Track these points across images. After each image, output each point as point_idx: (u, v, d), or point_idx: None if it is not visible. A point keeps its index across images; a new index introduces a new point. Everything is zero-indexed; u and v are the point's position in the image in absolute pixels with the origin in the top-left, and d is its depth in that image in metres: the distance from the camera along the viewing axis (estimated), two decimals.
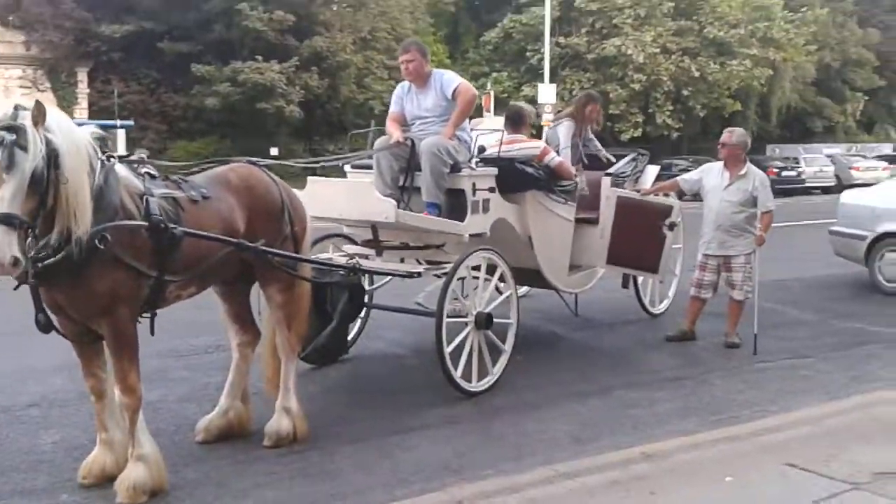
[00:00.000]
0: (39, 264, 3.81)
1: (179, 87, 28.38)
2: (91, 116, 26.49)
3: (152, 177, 4.31)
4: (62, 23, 26.44)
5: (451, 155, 6.10)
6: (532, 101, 30.59)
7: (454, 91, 6.26)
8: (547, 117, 28.86)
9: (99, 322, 4.11)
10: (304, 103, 27.92)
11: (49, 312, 4.14)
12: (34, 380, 6.28)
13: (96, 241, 3.86)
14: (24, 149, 3.54)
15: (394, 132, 6.31)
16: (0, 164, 3.53)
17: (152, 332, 4.37)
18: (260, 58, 26.93)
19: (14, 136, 3.54)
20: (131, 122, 25.60)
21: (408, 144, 6.22)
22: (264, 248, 4.76)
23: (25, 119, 3.60)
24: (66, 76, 27.34)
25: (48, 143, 3.63)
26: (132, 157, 4.36)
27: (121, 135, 23.13)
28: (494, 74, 34.07)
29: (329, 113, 30.46)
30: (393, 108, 6.61)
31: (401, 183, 6.30)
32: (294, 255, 5.02)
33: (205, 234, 4.39)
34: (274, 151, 23.61)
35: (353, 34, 29.94)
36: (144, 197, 4.15)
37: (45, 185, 3.62)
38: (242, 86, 26.60)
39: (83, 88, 27.61)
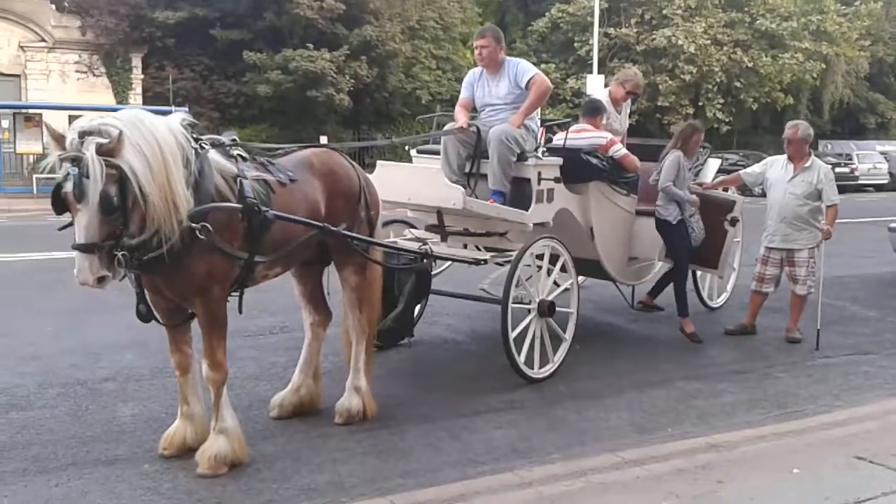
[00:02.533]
0: (144, 257, 3.94)
1: (231, 74, 28.64)
2: (145, 102, 26.87)
3: (243, 159, 4.43)
4: (117, 8, 26.79)
5: (518, 143, 6.15)
6: (579, 92, 30.52)
7: (529, 81, 6.29)
8: None
9: (193, 301, 4.26)
10: (352, 92, 28.01)
11: (146, 294, 4.28)
12: (105, 356, 6.48)
13: (197, 232, 3.98)
14: (89, 178, 3.58)
15: (460, 118, 6.36)
16: (71, 195, 3.62)
17: (240, 311, 4.50)
18: (311, 46, 27.09)
19: (77, 168, 3.59)
20: (185, 109, 25.95)
21: (473, 131, 6.27)
22: (348, 232, 4.87)
23: (89, 147, 3.61)
24: (120, 62, 27.68)
25: (115, 167, 3.64)
26: (224, 140, 4.46)
27: None
28: (542, 65, 33.90)
29: (377, 102, 30.55)
30: (463, 94, 6.64)
31: (467, 170, 6.37)
32: (373, 239, 5.14)
33: (295, 217, 4.51)
34: (323, 139, 23.73)
35: (401, 23, 29.98)
36: (238, 179, 4.27)
37: (118, 207, 3.68)
38: (293, 74, 26.76)
39: (137, 74, 27.97)
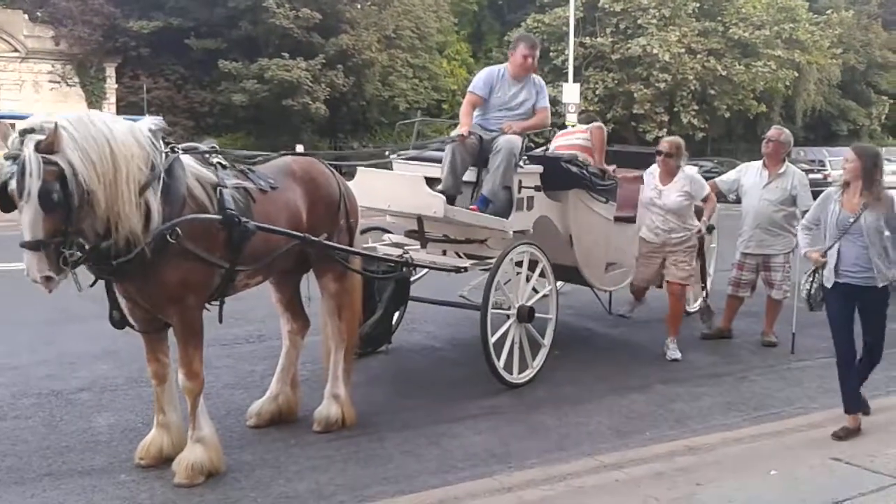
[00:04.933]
0: (114, 262, 3.91)
1: (206, 83, 28.55)
2: (119, 112, 26.68)
3: (223, 166, 4.40)
4: (90, 18, 26.61)
5: (519, 156, 6.22)
6: (555, 101, 30.67)
7: (544, 107, 6.58)
8: (570, 118, 28.92)
9: (168, 311, 4.22)
10: (329, 101, 27.99)
11: (120, 301, 4.25)
12: (81, 365, 6.41)
13: (168, 236, 3.95)
14: (27, 174, 3.56)
15: (465, 121, 6.36)
16: (14, 194, 3.61)
17: (220, 320, 4.47)
18: (286, 55, 27.05)
19: (16, 166, 3.58)
20: (160, 118, 25.70)
21: (475, 142, 6.28)
22: (330, 242, 4.87)
23: (28, 145, 3.59)
24: (94, 71, 27.50)
25: (52, 163, 3.60)
26: (202, 147, 4.44)
27: None
28: None
29: (354, 110, 30.54)
30: (479, 91, 6.55)
31: (467, 177, 6.36)
32: (354, 249, 5.12)
33: (276, 228, 4.49)
34: (299, 148, 23.64)
35: (377, 32, 30.00)
36: (218, 188, 4.24)
37: (60, 203, 3.63)
38: (269, 83, 26.71)
39: (111, 84, 27.79)
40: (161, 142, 4.13)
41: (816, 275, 5.37)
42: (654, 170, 7.24)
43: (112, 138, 3.84)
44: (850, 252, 5.17)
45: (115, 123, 3.97)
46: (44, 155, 3.59)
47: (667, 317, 7.24)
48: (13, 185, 3.59)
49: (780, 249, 7.36)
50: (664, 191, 7.06)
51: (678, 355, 6.96)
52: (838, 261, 5.20)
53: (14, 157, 3.61)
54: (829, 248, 5.25)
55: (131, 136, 3.96)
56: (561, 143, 7.41)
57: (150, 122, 4.20)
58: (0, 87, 26.40)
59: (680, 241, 7.08)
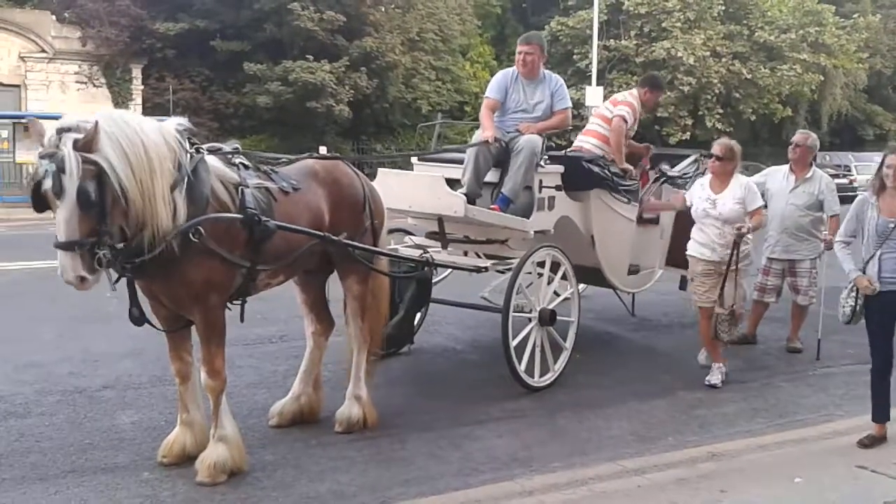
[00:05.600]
0: (136, 260, 3.92)
1: (231, 85, 28.71)
2: (145, 113, 26.85)
3: (245, 167, 4.42)
4: (117, 19, 26.84)
5: (540, 155, 6.22)
6: (578, 104, 30.58)
7: (563, 108, 6.55)
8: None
9: (190, 309, 4.24)
10: (352, 103, 28.08)
11: (144, 300, 4.27)
12: (104, 364, 6.46)
13: (191, 235, 3.97)
14: (65, 173, 3.55)
15: (487, 123, 6.37)
16: (50, 193, 3.60)
17: (242, 319, 4.50)
18: (311, 57, 27.16)
19: (54, 165, 3.56)
20: (184, 119, 25.88)
21: (499, 146, 6.28)
22: (351, 242, 4.86)
23: (66, 143, 3.59)
24: (120, 72, 27.71)
25: (92, 162, 3.61)
26: (226, 148, 4.46)
27: None
28: None
29: (377, 112, 30.61)
30: (494, 95, 6.60)
31: (487, 179, 6.36)
32: (378, 249, 5.13)
33: (296, 227, 4.50)
34: (323, 150, 23.77)
35: (401, 35, 30.08)
36: (240, 188, 4.26)
37: (97, 203, 3.64)
38: (293, 85, 26.83)
39: (137, 85, 28.00)
40: (187, 142, 4.15)
41: (859, 291, 5.17)
42: (704, 180, 6.59)
43: (145, 137, 3.86)
44: (892, 258, 5.04)
45: (145, 123, 3.99)
46: (82, 153, 3.59)
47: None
48: (48, 184, 3.58)
49: (806, 255, 7.27)
50: (718, 199, 6.34)
51: (717, 381, 6.34)
52: (879, 268, 5.05)
53: (51, 156, 3.59)
54: (870, 258, 5.10)
55: (159, 134, 3.98)
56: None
57: (175, 122, 4.22)
58: (27, 87, 26.65)
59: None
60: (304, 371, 5.20)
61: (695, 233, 6.49)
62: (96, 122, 3.64)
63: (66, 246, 3.63)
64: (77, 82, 27.35)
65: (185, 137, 4.16)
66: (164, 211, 3.88)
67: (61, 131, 3.63)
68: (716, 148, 6.51)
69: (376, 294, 5.23)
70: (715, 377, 6.35)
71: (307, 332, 5.27)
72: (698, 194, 6.47)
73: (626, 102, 7.32)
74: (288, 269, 4.70)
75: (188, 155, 4.10)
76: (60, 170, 3.55)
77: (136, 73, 28.05)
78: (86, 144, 3.60)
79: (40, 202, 3.68)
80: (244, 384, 5.94)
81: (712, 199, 6.34)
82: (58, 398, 5.63)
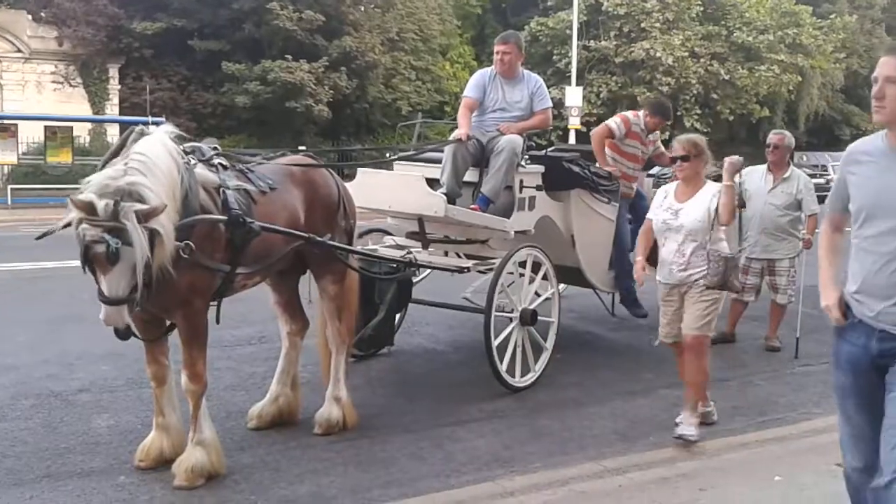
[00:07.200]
0: None
1: (209, 84, 28.53)
2: (122, 113, 26.72)
3: (224, 168, 4.38)
4: (94, 19, 26.57)
5: (521, 155, 6.21)
6: (558, 104, 30.67)
7: (543, 108, 6.56)
8: (573, 121, 28.92)
9: (175, 314, 4.21)
10: (332, 103, 27.97)
11: None
12: (80, 367, 6.38)
13: (180, 252, 3.92)
14: (131, 245, 3.54)
15: (464, 122, 6.35)
16: (104, 259, 3.54)
17: (217, 321, 4.45)
18: (289, 57, 27.04)
19: (118, 240, 3.51)
20: (163, 120, 25.74)
21: (474, 144, 6.26)
22: (336, 243, 4.84)
23: (129, 216, 3.54)
24: (97, 72, 27.44)
25: (150, 230, 3.63)
26: (206, 148, 4.41)
27: None
28: None
29: (357, 112, 30.52)
30: (472, 94, 6.58)
31: (466, 178, 6.34)
32: (360, 249, 5.10)
33: (282, 229, 4.48)
34: (302, 150, 23.70)
35: (381, 35, 30.01)
36: (221, 189, 4.22)
37: (147, 263, 3.67)
38: (272, 84, 26.69)
39: (114, 85, 27.76)
40: (182, 155, 4.11)
41: None
42: (669, 187, 5.43)
43: (171, 178, 3.87)
44: None
45: (162, 154, 3.92)
46: (144, 225, 3.59)
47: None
48: (101, 249, 3.52)
49: (785, 254, 7.32)
50: (682, 209, 5.17)
51: (692, 433, 5.10)
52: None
53: (110, 230, 3.51)
54: None
55: (171, 159, 3.95)
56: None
57: (169, 131, 4.13)
58: (3, 87, 26.34)
59: (700, 277, 5.09)
60: (281, 372, 5.16)
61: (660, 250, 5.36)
62: (165, 206, 3.66)
63: (117, 302, 3.64)
64: (53, 82, 27.05)
65: (182, 152, 4.12)
66: (172, 240, 3.85)
67: (118, 201, 3.55)
68: (676, 148, 5.23)
69: (348, 293, 5.20)
70: (688, 429, 5.12)
71: (282, 332, 5.24)
72: (659, 203, 5.33)
73: (622, 115, 7.50)
74: (264, 271, 4.66)
75: (187, 172, 4.06)
76: (127, 243, 3.52)
77: (114, 72, 27.79)
78: (147, 216, 3.59)
79: (91, 265, 3.63)
80: (222, 386, 5.89)
81: (674, 210, 5.19)
82: (33, 402, 5.55)
